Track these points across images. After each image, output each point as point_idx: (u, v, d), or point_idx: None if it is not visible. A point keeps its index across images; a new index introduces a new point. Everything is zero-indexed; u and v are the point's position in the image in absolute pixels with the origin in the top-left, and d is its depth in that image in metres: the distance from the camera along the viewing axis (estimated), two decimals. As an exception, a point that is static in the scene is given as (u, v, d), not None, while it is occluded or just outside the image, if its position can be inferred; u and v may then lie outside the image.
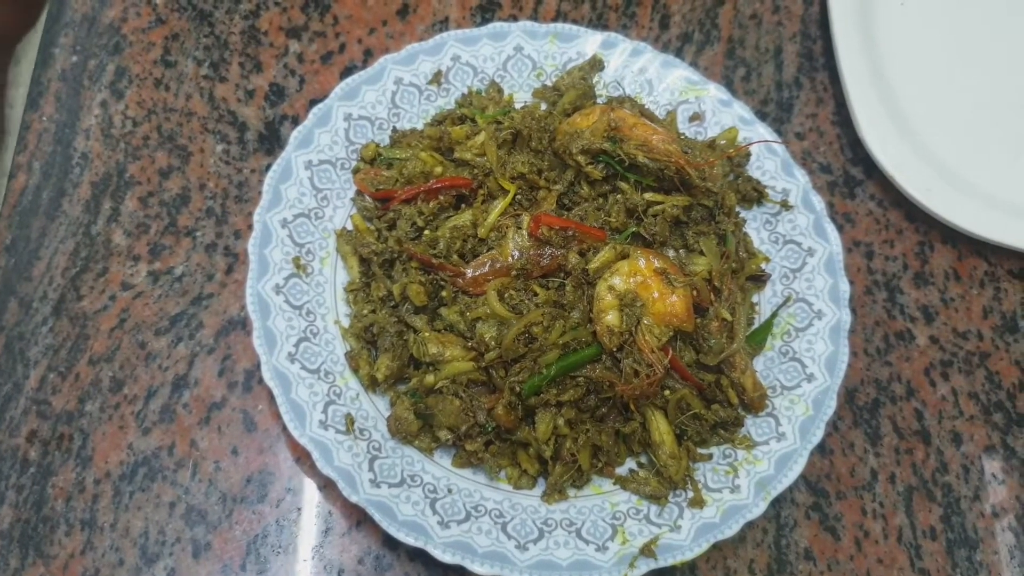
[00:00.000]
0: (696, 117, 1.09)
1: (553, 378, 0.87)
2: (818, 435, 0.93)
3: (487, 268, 0.93)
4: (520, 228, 0.93)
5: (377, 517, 0.85)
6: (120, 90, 1.10)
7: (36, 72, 1.10)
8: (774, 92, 1.19)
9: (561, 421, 0.89)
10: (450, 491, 0.89)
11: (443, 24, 1.19)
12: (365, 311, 0.95)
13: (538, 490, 0.91)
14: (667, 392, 0.91)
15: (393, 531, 0.85)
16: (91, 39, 1.12)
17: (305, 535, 0.91)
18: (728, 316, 0.93)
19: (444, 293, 0.92)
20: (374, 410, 0.92)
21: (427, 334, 0.91)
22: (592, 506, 0.91)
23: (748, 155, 1.06)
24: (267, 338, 0.91)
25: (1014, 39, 1.24)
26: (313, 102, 1.09)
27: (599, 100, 1.07)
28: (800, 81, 1.20)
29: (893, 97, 1.16)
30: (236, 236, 1.04)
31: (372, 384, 0.93)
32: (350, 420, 0.90)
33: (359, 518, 0.92)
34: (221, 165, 1.07)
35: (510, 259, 0.92)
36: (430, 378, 0.90)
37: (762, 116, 1.16)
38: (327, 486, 0.93)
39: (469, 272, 0.93)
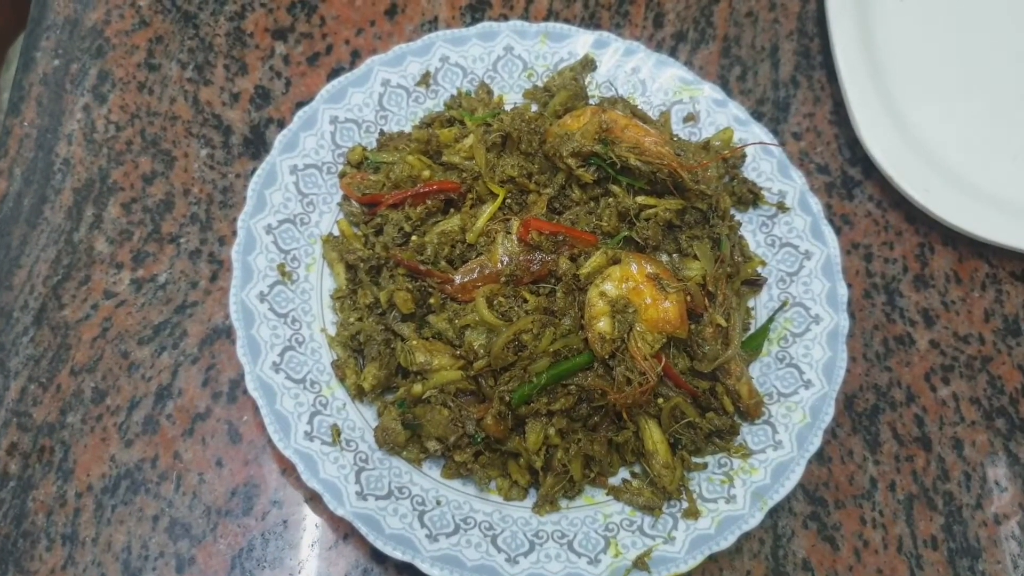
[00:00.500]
0: (690, 118, 1.07)
1: (544, 387, 0.85)
2: (816, 443, 0.91)
3: (476, 274, 0.90)
4: (509, 233, 0.91)
5: (364, 531, 0.83)
6: (103, 94, 1.08)
7: (17, 76, 1.08)
8: (770, 91, 1.17)
9: (552, 431, 0.87)
10: (439, 503, 0.87)
11: (432, 24, 1.17)
12: (352, 319, 0.93)
13: (529, 501, 0.89)
14: (661, 400, 0.89)
15: (380, 545, 0.83)
16: (73, 42, 1.10)
17: (291, 549, 0.89)
18: (723, 322, 0.91)
19: (432, 300, 0.91)
20: (361, 420, 0.90)
21: (415, 342, 0.89)
22: (584, 517, 0.89)
23: (743, 156, 1.04)
24: (251, 347, 0.89)
25: (1015, 36, 1.22)
26: (299, 105, 1.07)
27: (591, 101, 1.04)
28: (797, 80, 1.18)
29: (892, 96, 1.14)
30: (221, 242, 1.02)
31: (359, 394, 0.91)
32: (336, 431, 0.88)
33: (346, 531, 0.90)
34: (206, 170, 1.05)
35: (499, 265, 0.90)
36: (418, 387, 0.88)
37: (758, 116, 1.14)
38: (313, 498, 0.91)
39: (457, 278, 0.90)
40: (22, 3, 1.57)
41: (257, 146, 1.07)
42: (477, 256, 0.92)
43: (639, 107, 1.05)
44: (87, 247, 1.00)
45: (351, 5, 1.16)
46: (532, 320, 0.87)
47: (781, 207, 1.02)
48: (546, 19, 1.19)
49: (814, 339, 0.96)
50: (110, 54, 1.10)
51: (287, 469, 0.92)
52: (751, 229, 1.03)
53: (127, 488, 0.90)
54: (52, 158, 1.04)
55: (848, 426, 1.00)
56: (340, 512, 0.83)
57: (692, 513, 0.88)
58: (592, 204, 0.95)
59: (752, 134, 1.05)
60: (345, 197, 0.99)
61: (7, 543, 0.87)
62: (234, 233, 0.95)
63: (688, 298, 0.90)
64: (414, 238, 0.93)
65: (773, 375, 0.95)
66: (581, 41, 1.09)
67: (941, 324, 1.06)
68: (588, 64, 1.08)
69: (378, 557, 0.89)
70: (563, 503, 0.89)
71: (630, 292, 0.88)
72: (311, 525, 0.90)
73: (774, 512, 0.94)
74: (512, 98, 1.07)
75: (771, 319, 0.98)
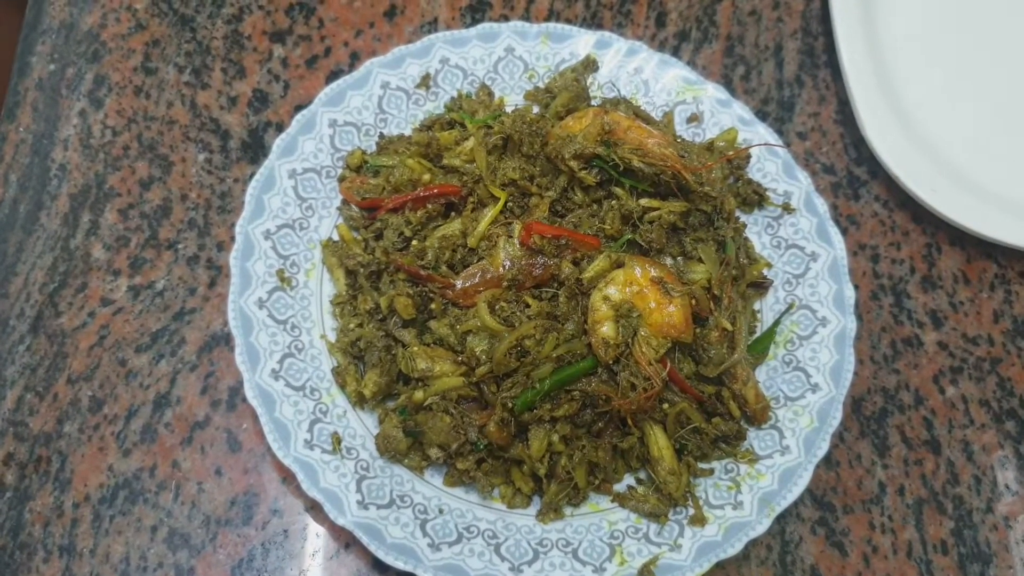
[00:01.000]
0: (694, 118, 1.05)
1: (547, 393, 0.84)
2: (823, 448, 0.89)
3: (477, 279, 0.89)
4: (511, 237, 0.90)
5: (365, 540, 0.82)
6: (99, 99, 1.06)
7: (12, 81, 1.07)
8: (775, 91, 1.15)
9: (556, 437, 0.85)
10: (441, 511, 0.86)
11: (432, 25, 1.15)
12: (352, 325, 0.92)
13: (533, 509, 0.88)
14: (666, 405, 0.88)
15: (382, 555, 0.82)
16: (69, 46, 1.09)
17: (292, 559, 0.88)
18: (729, 325, 0.90)
19: (433, 306, 0.89)
20: (362, 428, 0.89)
21: (416, 348, 0.88)
22: (589, 525, 0.87)
23: (748, 157, 1.02)
24: (250, 355, 0.88)
25: (1023, 34, 1.20)
26: (298, 108, 1.06)
27: (593, 102, 1.03)
28: (801, 79, 1.17)
29: (897, 95, 1.13)
30: (219, 248, 1.00)
31: (360, 401, 0.90)
32: (337, 439, 0.87)
33: (348, 540, 0.89)
34: (203, 175, 1.04)
35: (501, 269, 0.89)
36: (419, 394, 0.87)
37: (762, 116, 1.12)
38: (314, 507, 0.89)
39: (459, 283, 0.89)
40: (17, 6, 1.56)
41: (255, 150, 1.06)
42: (478, 261, 0.90)
43: (642, 108, 1.04)
44: (84, 254, 0.99)
45: (350, 7, 1.15)
46: (535, 325, 0.86)
47: (787, 208, 1.01)
48: (547, 19, 1.17)
49: (821, 342, 0.95)
50: (106, 58, 1.09)
51: (287, 477, 0.91)
52: (756, 231, 1.01)
53: (125, 498, 0.89)
54: (48, 164, 1.03)
55: (856, 430, 0.98)
56: (341, 522, 0.82)
57: (698, 520, 0.87)
58: (595, 207, 0.93)
59: (756, 134, 1.03)
60: (344, 201, 0.98)
61: (4, 555, 0.86)
62: (232, 238, 0.94)
63: (693, 302, 0.89)
64: (415, 243, 0.92)
65: (780, 379, 0.94)
66: (583, 41, 1.07)
67: (949, 325, 1.05)
68: (590, 65, 1.06)
69: (380, 567, 0.88)
70: (567, 511, 0.88)
71: (634, 296, 0.87)
72: (312, 534, 0.89)
73: (782, 518, 0.93)
74: (513, 100, 1.06)
75: (777, 322, 0.96)
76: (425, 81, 1.04)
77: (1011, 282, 1.08)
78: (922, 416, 1.00)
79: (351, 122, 1.01)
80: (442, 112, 1.04)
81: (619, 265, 0.89)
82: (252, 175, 0.97)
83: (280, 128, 1.06)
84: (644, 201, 0.92)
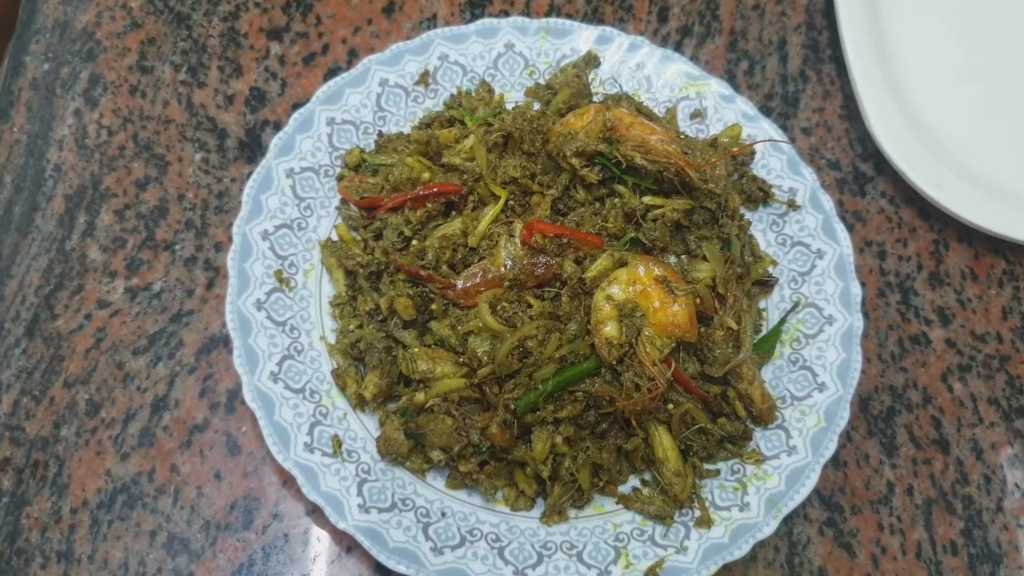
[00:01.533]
0: (697, 114, 1.04)
1: (550, 394, 0.83)
2: (831, 447, 0.88)
3: (478, 279, 0.88)
4: (512, 236, 0.88)
5: (367, 544, 0.81)
6: (94, 98, 1.05)
7: (6, 81, 1.05)
8: (779, 86, 1.14)
9: (559, 439, 0.84)
10: (443, 515, 0.85)
11: (431, 21, 1.14)
12: (351, 326, 0.91)
13: (537, 511, 0.87)
14: (670, 406, 0.87)
15: (383, 559, 0.81)
16: (63, 45, 1.07)
17: (293, 563, 0.87)
18: (734, 324, 0.88)
19: (434, 306, 0.88)
20: (363, 430, 0.88)
21: (417, 349, 0.87)
22: (594, 527, 0.86)
23: (752, 153, 1.01)
24: (248, 357, 0.87)
25: (1029, 25, 1.19)
26: (296, 106, 1.04)
27: (595, 98, 1.02)
28: (806, 74, 1.15)
29: (903, 89, 1.11)
30: (217, 249, 0.99)
31: (360, 403, 0.88)
32: (337, 442, 0.86)
33: (349, 544, 0.88)
34: (200, 174, 1.03)
35: (502, 269, 0.88)
36: (420, 396, 0.85)
37: (767, 111, 1.11)
38: (315, 511, 0.88)
39: (459, 283, 0.88)
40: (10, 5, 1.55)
41: (253, 149, 1.04)
42: (479, 260, 0.89)
43: (644, 104, 1.02)
44: (80, 255, 0.97)
45: (347, 3, 1.14)
46: (537, 325, 0.84)
47: (792, 205, 1.00)
48: (548, 14, 1.16)
49: (828, 340, 0.94)
50: (101, 57, 1.07)
51: (288, 481, 0.89)
52: (761, 228, 1.00)
53: (123, 503, 0.88)
54: (43, 164, 1.01)
55: (863, 429, 0.97)
56: (342, 526, 0.81)
57: (705, 522, 0.85)
58: (597, 205, 0.92)
59: (761, 130, 1.02)
60: (343, 201, 0.97)
61: (1, 561, 0.85)
62: (230, 239, 0.92)
63: (697, 301, 0.87)
64: (414, 242, 0.90)
65: (786, 378, 0.93)
66: (584, 37, 1.06)
67: (957, 323, 1.03)
68: (591, 60, 1.05)
69: (382, 570, 0.87)
70: (571, 513, 0.87)
71: (638, 295, 0.85)
72: (313, 538, 0.88)
73: (789, 519, 0.91)
74: (513, 96, 1.04)
75: (783, 320, 0.95)
76: (424, 78, 1.03)
77: (1019, 278, 1.06)
78: (930, 415, 0.99)
79: (349, 120, 0.99)
80: (441, 109, 1.02)
81: (622, 264, 0.87)
82: (249, 175, 0.95)
83: (278, 127, 1.05)
84: (647, 199, 0.91)
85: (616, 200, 0.91)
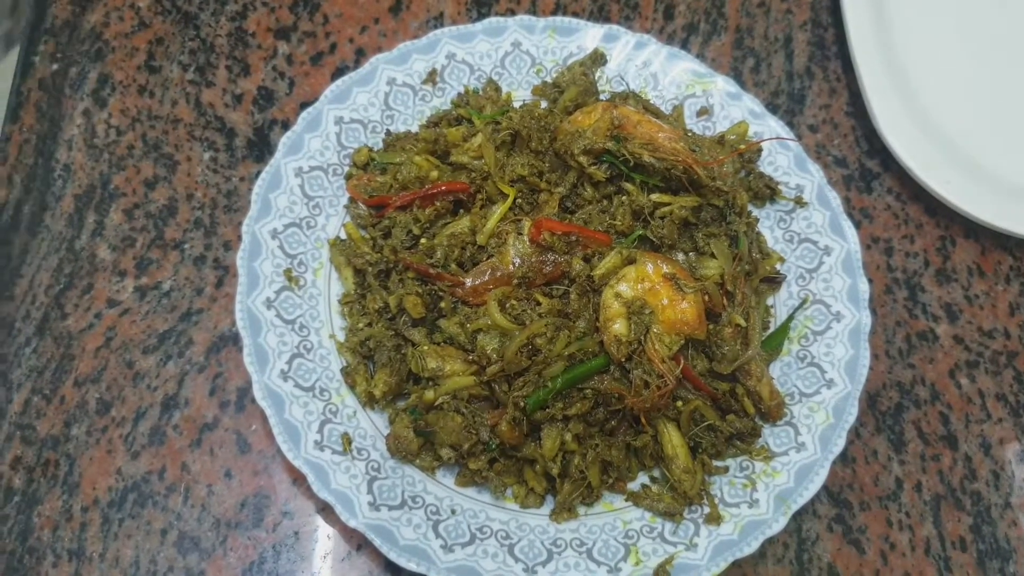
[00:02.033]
0: (704, 112, 1.04)
1: (559, 391, 0.83)
2: (840, 444, 0.88)
3: (487, 277, 0.88)
4: (521, 234, 0.88)
5: (377, 542, 0.81)
6: (103, 98, 1.05)
7: (15, 81, 1.06)
8: (785, 83, 1.14)
9: (568, 436, 0.84)
10: (453, 512, 0.85)
11: (438, 20, 1.14)
12: (361, 324, 0.91)
13: (546, 508, 0.87)
14: (679, 403, 0.87)
15: (394, 556, 0.81)
16: (72, 46, 1.08)
17: (303, 561, 0.87)
18: (742, 322, 0.89)
19: (443, 304, 0.88)
20: (372, 428, 0.88)
21: (426, 347, 0.87)
22: (603, 524, 0.86)
23: (759, 151, 1.01)
24: (258, 355, 0.87)
25: (1035, 21, 1.19)
26: (304, 105, 1.04)
27: (602, 96, 1.02)
28: (812, 71, 1.15)
29: (909, 85, 1.11)
30: (226, 248, 1.00)
31: (370, 401, 0.89)
32: (347, 440, 0.86)
33: (360, 541, 0.88)
34: (209, 174, 1.03)
35: (511, 267, 0.88)
36: (430, 394, 0.86)
37: (773, 109, 1.11)
38: (325, 508, 0.88)
39: (468, 281, 0.88)
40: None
41: (261, 148, 1.04)
42: (488, 258, 0.89)
43: (651, 102, 1.02)
44: (89, 255, 0.98)
45: (354, 2, 1.14)
46: (546, 323, 0.85)
47: (799, 202, 1.00)
48: (554, 13, 1.16)
49: (836, 337, 0.94)
50: (110, 57, 1.08)
51: (297, 479, 0.90)
52: (768, 225, 1.00)
53: (134, 501, 0.88)
54: (52, 164, 1.02)
55: (872, 425, 0.97)
56: (352, 524, 0.81)
57: (714, 518, 0.85)
58: (605, 203, 0.92)
59: (768, 127, 1.02)
60: (352, 199, 0.97)
61: (12, 560, 0.85)
62: (239, 238, 0.93)
63: (706, 298, 0.87)
64: (423, 241, 0.91)
65: (794, 375, 0.93)
66: (590, 35, 1.06)
67: (965, 319, 1.03)
68: (598, 58, 1.05)
69: (392, 568, 0.87)
70: (581, 510, 0.87)
71: (646, 293, 0.85)
72: (323, 536, 0.88)
73: (798, 515, 0.91)
74: (521, 95, 1.05)
75: (791, 317, 0.95)
76: (431, 77, 1.03)
77: (1027, 274, 1.07)
78: (938, 411, 0.99)
79: (357, 119, 1.00)
80: (449, 108, 1.02)
81: (630, 261, 0.87)
82: (258, 174, 0.96)
83: (286, 126, 1.05)
84: (655, 196, 0.91)
85: (624, 198, 0.91)
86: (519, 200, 0.91)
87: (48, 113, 1.04)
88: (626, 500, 0.88)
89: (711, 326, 0.88)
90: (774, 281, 0.97)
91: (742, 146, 0.98)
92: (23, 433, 0.90)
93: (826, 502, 0.93)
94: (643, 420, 0.86)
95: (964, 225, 1.08)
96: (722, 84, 1.04)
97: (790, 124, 1.10)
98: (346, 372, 0.89)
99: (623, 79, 1.05)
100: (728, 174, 0.94)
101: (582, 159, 0.90)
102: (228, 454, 0.90)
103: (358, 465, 0.85)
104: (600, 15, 1.16)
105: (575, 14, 1.16)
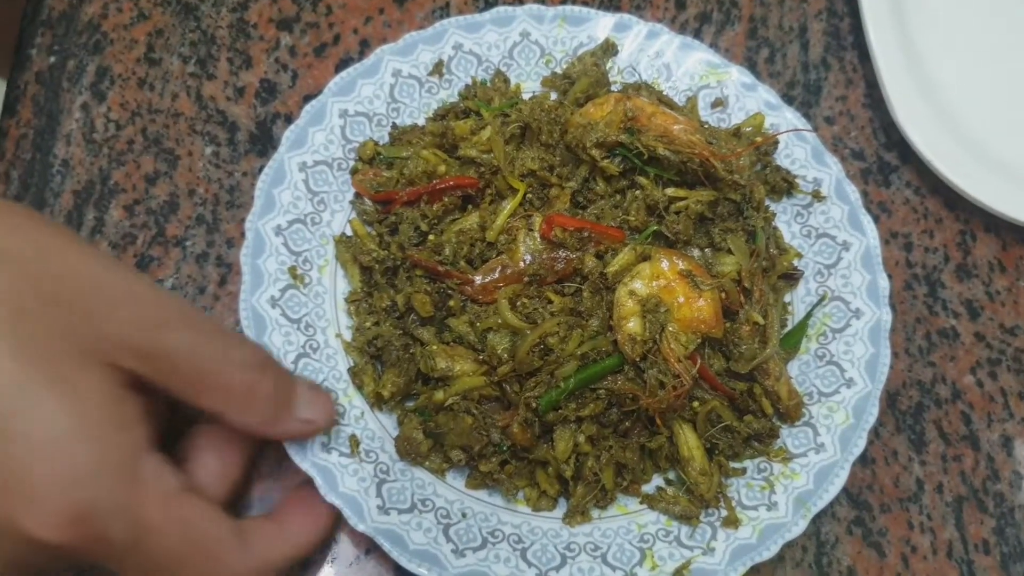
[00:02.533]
0: (719, 103, 1.01)
1: (572, 392, 0.81)
2: (860, 445, 0.86)
3: (497, 274, 0.86)
4: (532, 230, 0.86)
5: (387, 547, 0.79)
6: (102, 91, 1.03)
7: (12, 75, 1.03)
8: (800, 74, 1.11)
9: (582, 438, 0.82)
10: (464, 516, 0.83)
11: (444, 10, 1.11)
12: (368, 323, 0.88)
13: (559, 511, 0.85)
14: (696, 403, 0.85)
15: (404, 562, 0.79)
16: (69, 38, 1.05)
17: (310, 565, 0.85)
18: (760, 319, 0.86)
19: (452, 302, 0.86)
20: (381, 430, 0.86)
21: (435, 347, 0.85)
22: (618, 528, 0.84)
23: (776, 143, 0.98)
24: (263, 356, 0.84)
25: (1057, 9, 1.16)
26: (307, 98, 1.02)
27: (613, 87, 0.99)
28: (828, 61, 1.12)
29: (928, 76, 1.08)
30: (229, 245, 0.97)
31: (378, 402, 0.86)
32: (355, 441, 0.84)
33: (368, 546, 0.86)
34: (211, 169, 1.00)
35: (522, 264, 0.85)
36: (439, 394, 0.83)
37: (789, 100, 1.08)
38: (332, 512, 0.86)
39: (478, 279, 0.86)
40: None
41: (264, 143, 1.02)
42: (498, 255, 0.87)
43: (664, 93, 1.00)
44: (89, 252, 0.95)
45: (358, -8, 1.11)
46: (558, 322, 0.82)
47: (817, 196, 0.97)
48: (563, 2, 1.13)
49: (855, 335, 0.91)
50: (108, 49, 1.05)
51: (304, 481, 0.87)
52: (785, 220, 0.98)
53: (137, 505, 0.86)
54: (50, 159, 0.99)
55: (891, 425, 0.95)
56: (361, 528, 0.79)
57: (732, 522, 0.83)
58: (618, 197, 0.90)
59: (784, 119, 0.99)
60: (357, 195, 0.94)
61: (13, 566, 0.83)
62: (242, 235, 0.90)
63: (723, 295, 0.85)
64: (431, 237, 0.88)
65: (813, 374, 0.91)
66: (601, 24, 1.03)
67: (986, 316, 1.01)
68: (609, 48, 1.02)
69: (402, 573, 0.85)
70: (595, 513, 0.85)
71: (661, 290, 0.83)
72: (330, 540, 0.86)
73: (817, 518, 0.89)
74: (530, 86, 1.02)
75: (809, 314, 0.93)
76: (438, 68, 1.00)
77: (1049, 269, 1.04)
78: (960, 410, 0.96)
79: (362, 112, 0.97)
80: (456, 100, 1.00)
81: (645, 258, 0.85)
82: (261, 168, 0.93)
83: (289, 119, 1.03)
84: (670, 191, 0.88)
85: (638, 192, 0.89)
86: (529, 195, 0.89)
87: (45, 107, 1.02)
88: (641, 503, 0.86)
89: (728, 324, 0.86)
90: (792, 277, 0.94)
91: (759, 139, 0.96)
92: (22, 436, 0.87)
93: (845, 504, 0.91)
94: (658, 421, 0.84)
95: (984, 219, 1.05)
96: (737, 75, 1.02)
97: (806, 116, 1.07)
98: (353, 372, 0.87)
99: (635, 70, 1.03)
100: (745, 167, 0.92)
101: (594, 152, 0.88)
102: (232, 456, 0.88)
103: (366, 468, 0.83)
104: (610, 4, 1.14)
105: (585, 3, 1.13)
